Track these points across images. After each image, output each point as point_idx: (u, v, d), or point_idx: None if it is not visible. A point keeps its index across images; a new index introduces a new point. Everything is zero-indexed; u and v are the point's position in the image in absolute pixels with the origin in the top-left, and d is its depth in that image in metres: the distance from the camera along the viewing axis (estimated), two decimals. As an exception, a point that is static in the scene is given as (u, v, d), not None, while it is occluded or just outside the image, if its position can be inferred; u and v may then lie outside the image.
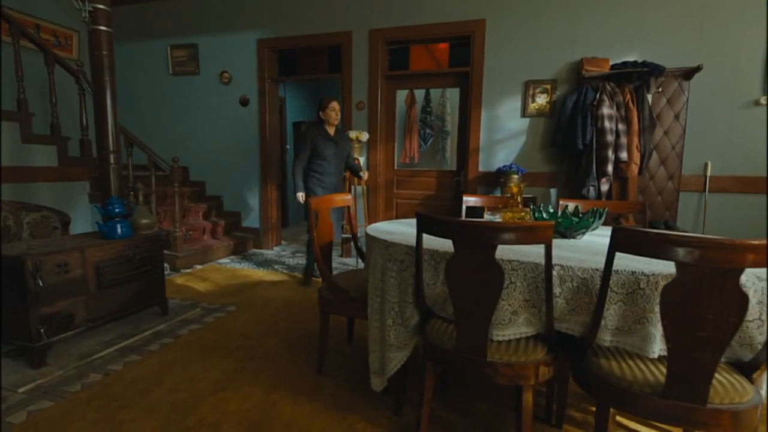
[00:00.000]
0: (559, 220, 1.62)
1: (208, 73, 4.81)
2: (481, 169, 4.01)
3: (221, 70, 4.74)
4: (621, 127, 3.39)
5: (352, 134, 4.02)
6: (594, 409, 1.51)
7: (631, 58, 3.49)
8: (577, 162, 3.56)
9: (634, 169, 3.42)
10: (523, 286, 1.31)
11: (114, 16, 2.59)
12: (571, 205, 2.07)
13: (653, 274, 1.17)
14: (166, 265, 3.76)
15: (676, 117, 3.44)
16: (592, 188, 3.43)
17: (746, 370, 1.18)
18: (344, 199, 2.23)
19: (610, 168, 3.38)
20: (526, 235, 1.20)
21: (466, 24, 3.88)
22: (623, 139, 3.37)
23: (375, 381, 1.69)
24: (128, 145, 3.75)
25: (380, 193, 4.39)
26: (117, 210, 2.47)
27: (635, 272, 1.19)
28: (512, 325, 1.33)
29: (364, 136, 4.07)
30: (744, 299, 1.00)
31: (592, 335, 1.22)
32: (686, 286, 1.03)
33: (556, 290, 1.28)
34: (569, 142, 3.51)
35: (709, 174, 3.47)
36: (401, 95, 4.38)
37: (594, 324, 1.20)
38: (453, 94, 4.24)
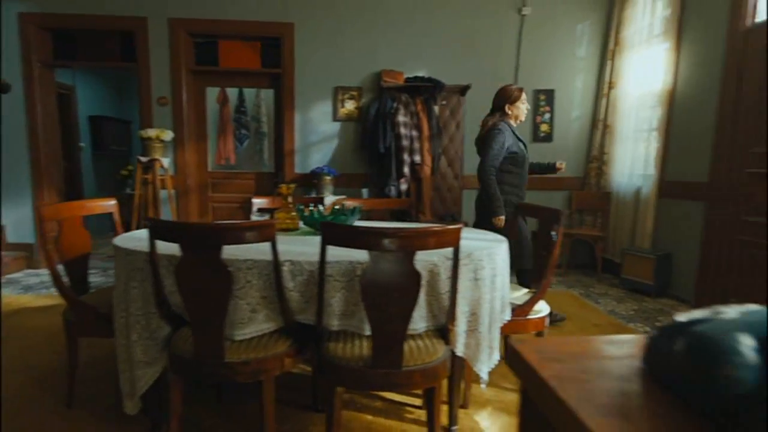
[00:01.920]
0: (316, 217, 1.73)
1: (-57, 47, 3.72)
2: (297, 170, 4.06)
3: (-35, 46, 3.72)
4: (414, 133, 3.84)
5: (152, 133, 3.62)
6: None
7: (421, 74, 3.98)
8: (380, 164, 3.90)
9: (427, 170, 3.92)
10: (260, 284, 1.34)
11: None
12: (349, 204, 2.24)
13: (365, 262, 1.34)
14: None
15: (457, 126, 4.06)
16: (393, 187, 3.80)
17: (444, 333, 1.44)
18: (103, 205, 1.97)
19: (407, 169, 3.80)
20: (250, 234, 1.23)
21: (275, 25, 3.87)
22: (416, 144, 3.83)
23: (127, 404, 1.53)
24: None
25: (192, 197, 4.07)
26: None
27: (352, 261, 1.34)
28: (253, 323, 1.35)
29: (167, 135, 3.70)
30: (417, 276, 1.22)
31: (318, 322, 1.32)
32: (374, 270, 1.20)
33: (289, 284, 1.35)
34: (373, 145, 3.82)
35: (483, 174, 4.20)
36: (212, 92, 4.14)
37: (319, 312, 1.31)
38: (268, 95, 4.19)
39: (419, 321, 1.41)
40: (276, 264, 1.28)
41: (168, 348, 1.43)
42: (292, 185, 1.95)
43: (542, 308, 1.84)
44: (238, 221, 1.26)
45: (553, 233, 1.83)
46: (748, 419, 0.35)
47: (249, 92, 4.19)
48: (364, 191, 4.14)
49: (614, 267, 3.87)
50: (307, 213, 1.76)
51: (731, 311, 0.42)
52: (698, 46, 3.16)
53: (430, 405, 1.37)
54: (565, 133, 4.21)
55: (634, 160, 3.79)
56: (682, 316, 0.46)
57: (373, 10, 3.92)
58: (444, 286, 1.42)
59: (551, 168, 2.87)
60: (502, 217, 2.50)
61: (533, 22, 4.02)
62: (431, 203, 4.03)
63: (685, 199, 3.26)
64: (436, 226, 1.24)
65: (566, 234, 4.14)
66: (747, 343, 0.35)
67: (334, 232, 1.21)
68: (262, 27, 3.86)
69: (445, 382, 1.61)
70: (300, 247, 1.50)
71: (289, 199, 1.94)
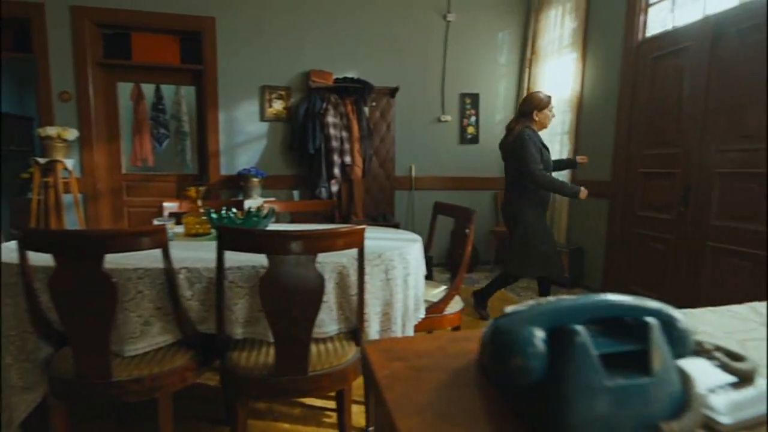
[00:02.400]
0: (225, 221, 1.65)
1: None
2: (223, 172, 3.87)
3: None
4: (344, 134, 3.82)
5: (52, 131, 3.27)
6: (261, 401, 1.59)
7: (350, 75, 3.97)
8: (310, 165, 3.84)
9: (358, 171, 3.92)
10: (153, 294, 1.25)
11: None
12: (266, 207, 2.17)
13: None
14: None
15: (388, 127, 4.10)
16: (323, 189, 3.76)
17: (357, 334, 1.44)
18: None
19: (337, 171, 3.77)
20: (137, 241, 1.14)
21: (195, 19, 3.67)
22: (347, 145, 3.82)
23: (3, 436, 1.35)
24: None
25: (104, 202, 3.73)
26: None
27: (255, 266, 1.29)
28: (146, 337, 1.26)
29: (71, 134, 3.36)
30: (320, 279, 1.20)
31: (219, 331, 1.26)
32: (274, 274, 1.16)
33: (187, 293, 1.27)
34: (303, 146, 3.75)
35: (414, 175, 4.28)
36: (125, 89, 3.83)
37: (219, 320, 1.25)
38: (189, 93, 3.96)
39: (330, 324, 1.40)
40: (169, 272, 1.20)
41: (48, 370, 1.28)
42: (202, 188, 1.85)
43: (457, 304, 1.91)
44: (117, 230, 1.16)
45: (467, 231, 1.90)
46: (538, 407, 0.37)
47: (168, 89, 3.93)
48: (296, 193, 4.05)
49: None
50: (214, 217, 1.67)
51: (546, 302, 0.45)
52: (600, 57, 3.46)
53: (340, 407, 1.36)
54: (491, 135, 4.41)
55: (550, 161, 4.06)
56: (510, 308, 0.48)
57: (298, 9, 3.85)
58: (355, 287, 1.41)
59: (572, 164, 2.89)
60: (585, 190, 2.56)
61: (457, 28, 4.17)
62: (363, 204, 4.04)
63: (593, 198, 3.55)
64: (343, 227, 1.23)
65: (493, 231, 4.35)
66: (537, 335, 0.37)
67: (230, 236, 1.15)
68: (180, 20, 3.64)
69: (361, 383, 1.62)
70: (201, 253, 1.42)
71: (199, 203, 1.84)
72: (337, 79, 3.88)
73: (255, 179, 3.69)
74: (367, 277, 1.43)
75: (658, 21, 2.95)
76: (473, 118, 4.35)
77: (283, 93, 3.90)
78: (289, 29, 3.85)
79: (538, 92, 2.69)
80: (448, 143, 4.33)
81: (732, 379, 0.42)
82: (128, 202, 3.85)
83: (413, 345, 0.55)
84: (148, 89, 3.88)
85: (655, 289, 2.89)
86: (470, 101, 4.32)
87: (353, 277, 1.40)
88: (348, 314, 1.44)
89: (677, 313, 0.42)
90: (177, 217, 1.99)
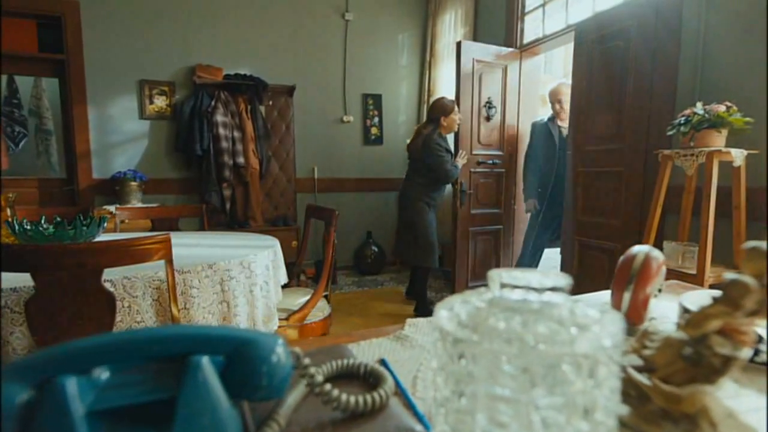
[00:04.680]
0: (30, 234, 1.41)
1: None
2: (96, 176, 3.46)
3: None
4: (237, 134, 3.60)
5: None
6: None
7: (243, 71, 3.75)
8: (200, 167, 3.56)
9: (255, 174, 3.71)
10: None
11: None
12: (116, 210, 1.92)
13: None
14: None
15: (287, 128, 3.94)
16: (214, 193, 3.50)
17: (184, 356, 1.28)
18: None
19: (229, 173, 3.53)
20: None
21: (52, 1, 3.22)
22: (239, 146, 3.59)
23: None
24: None
25: (-62, 211, 3.14)
26: None
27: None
28: None
29: None
30: (111, 297, 1.04)
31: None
32: (49, 296, 0.98)
33: (-60, 325, 1.04)
34: (190, 147, 3.47)
35: (316, 177, 4.16)
36: (-35, 79, 3.27)
37: (-18, 356, 1.03)
38: (52, 86, 3.48)
39: (150, 346, 1.23)
40: None
41: None
42: (12, 194, 1.57)
43: (324, 309, 1.82)
44: None
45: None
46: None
47: (25, 81, 3.42)
48: (185, 198, 3.73)
49: (440, 260, 4.20)
50: (17, 228, 1.41)
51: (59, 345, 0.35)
52: (488, 62, 3.60)
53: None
54: (394, 136, 4.43)
55: (450, 161, 4.16)
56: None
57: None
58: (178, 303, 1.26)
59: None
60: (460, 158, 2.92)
61: (357, 28, 4.13)
62: (262, 209, 3.83)
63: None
64: (153, 236, 1.08)
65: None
66: None
67: (-21, 253, 0.95)
68: (34, 2, 3.18)
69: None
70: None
71: (8, 212, 1.56)
72: (227, 75, 3.64)
73: (133, 183, 3.33)
74: (194, 291, 1.29)
75: (532, 29, 3.13)
76: (376, 119, 4.34)
77: (165, 89, 3.58)
78: (171, 19, 3.54)
79: (444, 98, 2.86)
80: (351, 144, 4.27)
81: (339, 415, 0.36)
82: (-26, 211, 3.28)
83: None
84: (-2, 80, 3.34)
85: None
86: (373, 102, 4.30)
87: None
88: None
89: (276, 345, 0.34)
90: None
